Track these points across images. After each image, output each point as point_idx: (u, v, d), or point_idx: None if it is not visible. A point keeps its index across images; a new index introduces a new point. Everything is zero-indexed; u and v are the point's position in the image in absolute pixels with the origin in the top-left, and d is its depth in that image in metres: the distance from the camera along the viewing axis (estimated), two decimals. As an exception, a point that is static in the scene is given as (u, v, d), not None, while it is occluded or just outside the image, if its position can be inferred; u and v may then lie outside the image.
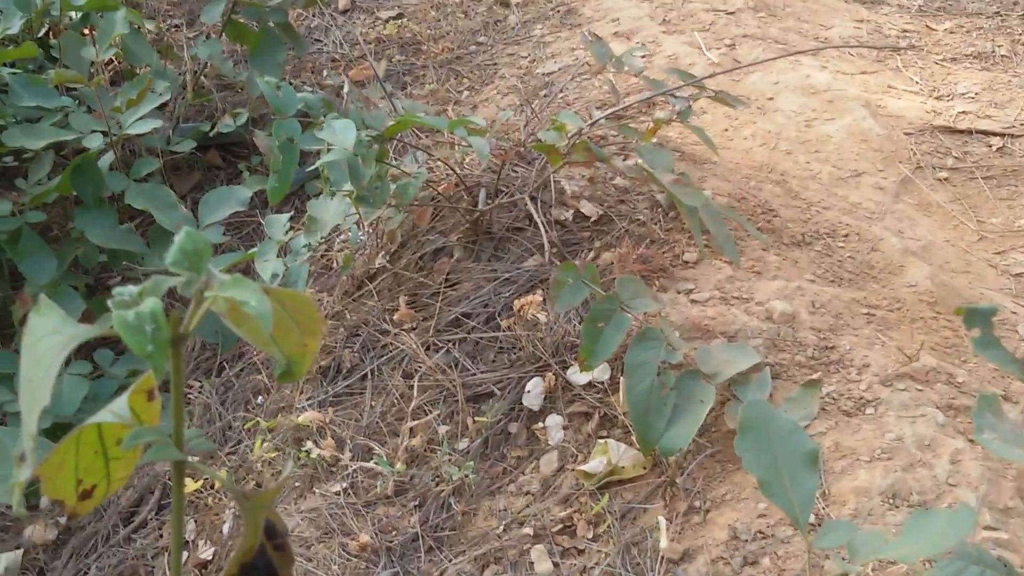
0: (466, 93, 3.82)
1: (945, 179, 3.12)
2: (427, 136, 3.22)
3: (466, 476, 2.32)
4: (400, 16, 4.42)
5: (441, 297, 2.69)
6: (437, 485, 2.35)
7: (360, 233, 2.92)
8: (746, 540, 1.95)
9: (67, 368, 3.07)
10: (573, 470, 2.24)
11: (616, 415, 2.29)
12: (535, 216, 2.68)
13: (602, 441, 2.24)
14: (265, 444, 2.58)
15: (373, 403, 2.57)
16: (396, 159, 2.97)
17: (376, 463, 2.41)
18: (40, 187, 3.33)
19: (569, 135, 2.67)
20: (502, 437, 2.41)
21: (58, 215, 3.59)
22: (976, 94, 3.48)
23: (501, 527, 2.22)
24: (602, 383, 2.36)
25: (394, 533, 2.30)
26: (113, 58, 3.84)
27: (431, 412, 2.49)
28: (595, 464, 2.20)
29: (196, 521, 2.60)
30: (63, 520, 2.81)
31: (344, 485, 2.42)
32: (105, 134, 3.34)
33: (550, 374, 2.42)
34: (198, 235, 0.76)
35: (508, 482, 2.32)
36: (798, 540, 1.91)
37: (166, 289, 0.74)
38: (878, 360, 2.26)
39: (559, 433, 2.33)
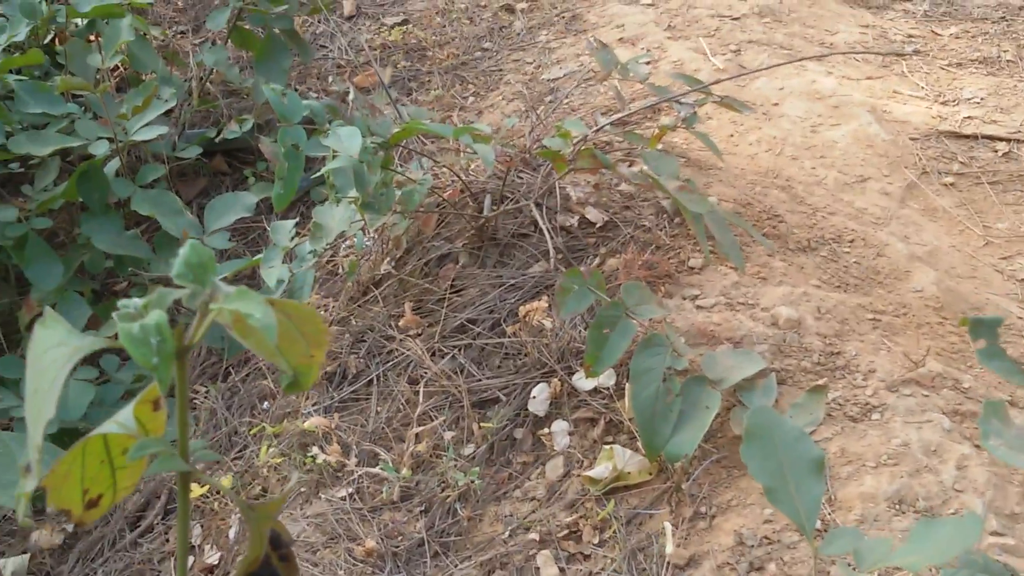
0: (471, 99, 3.82)
1: (951, 184, 3.12)
2: (432, 142, 3.23)
3: (472, 482, 2.32)
4: (405, 22, 4.42)
5: (446, 303, 2.69)
6: (443, 491, 2.35)
7: (365, 239, 2.92)
8: (752, 546, 1.95)
9: (73, 373, 3.06)
10: (579, 476, 2.24)
11: (622, 421, 2.29)
12: (540, 222, 2.69)
13: (608, 447, 2.24)
14: (271, 450, 2.58)
15: (379, 409, 2.57)
16: (401, 165, 2.97)
17: (382, 468, 2.41)
18: (46, 193, 3.34)
19: (574, 141, 2.67)
20: (508, 443, 2.42)
21: (64, 221, 3.60)
22: (982, 99, 3.48)
23: (507, 533, 2.22)
24: (608, 389, 2.36)
25: (400, 538, 2.30)
26: (119, 65, 3.84)
27: (437, 418, 2.49)
28: (601, 470, 2.20)
29: (202, 526, 2.61)
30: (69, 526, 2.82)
31: (350, 490, 2.42)
32: (111, 140, 3.34)
33: (556, 380, 2.42)
34: (203, 247, 0.77)
35: (514, 488, 2.32)
36: (804, 546, 1.91)
37: (171, 302, 0.74)
38: (884, 366, 2.26)
39: (565, 439, 2.33)
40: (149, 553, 2.65)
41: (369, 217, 2.50)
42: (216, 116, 3.98)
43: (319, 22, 4.52)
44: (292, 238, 2.61)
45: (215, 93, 4.00)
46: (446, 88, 3.91)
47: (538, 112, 3.38)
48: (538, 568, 2.11)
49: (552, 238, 2.67)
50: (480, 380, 2.52)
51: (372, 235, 2.95)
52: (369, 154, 2.36)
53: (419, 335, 2.67)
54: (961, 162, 3.19)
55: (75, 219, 3.50)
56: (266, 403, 2.83)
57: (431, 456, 2.43)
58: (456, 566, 2.21)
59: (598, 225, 2.75)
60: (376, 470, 2.43)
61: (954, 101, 3.49)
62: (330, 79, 4.16)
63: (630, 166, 2.86)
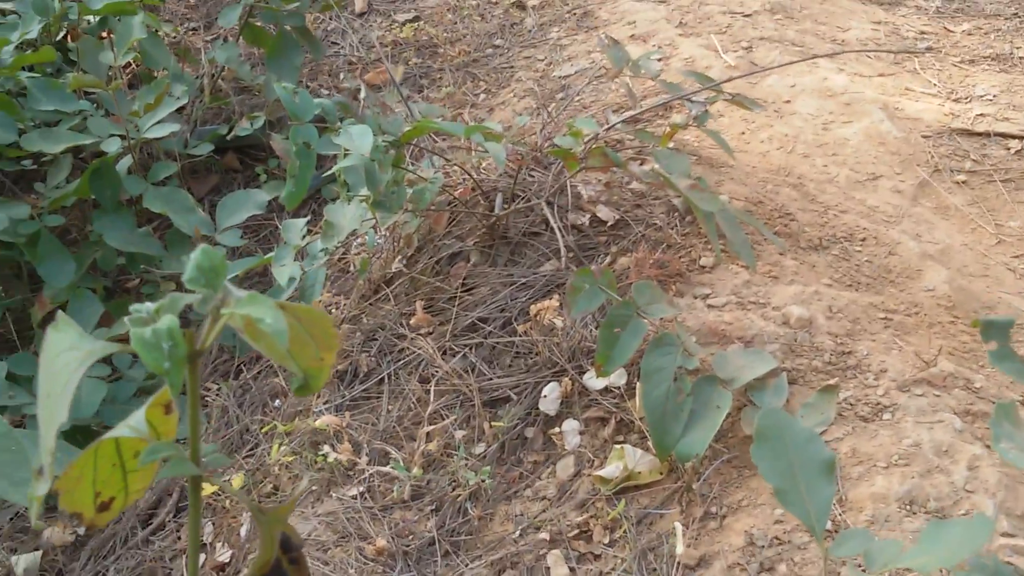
0: (483, 96, 3.82)
1: (963, 182, 3.11)
2: (444, 140, 3.23)
3: (482, 481, 2.33)
4: (417, 19, 4.43)
5: (458, 302, 2.70)
6: (454, 490, 2.36)
7: (377, 237, 2.92)
8: (762, 546, 1.95)
9: (86, 370, 3.07)
10: (589, 475, 2.25)
11: (632, 420, 2.29)
12: (551, 221, 2.69)
13: (618, 446, 2.24)
14: (282, 448, 2.59)
15: (390, 407, 2.58)
16: (413, 164, 2.98)
17: (393, 467, 2.42)
18: (59, 191, 3.35)
19: (585, 140, 2.67)
20: (519, 442, 2.42)
21: (76, 218, 3.61)
22: (994, 96, 3.46)
23: (517, 532, 2.23)
24: (618, 388, 2.36)
25: (411, 537, 2.30)
26: (131, 62, 3.85)
27: (448, 417, 2.50)
28: (611, 469, 2.20)
29: (214, 523, 2.61)
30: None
31: (361, 489, 2.42)
32: (123, 138, 3.35)
33: (567, 379, 2.42)
34: (214, 252, 0.77)
35: (524, 487, 2.32)
36: (815, 547, 1.90)
37: (183, 306, 0.75)
38: (895, 365, 2.26)
39: (575, 438, 2.33)
40: (161, 550, 2.66)
41: (380, 215, 2.50)
42: (228, 113, 3.99)
43: (331, 19, 4.52)
44: (304, 236, 2.61)
45: (227, 90, 4.00)
46: (457, 85, 3.92)
47: (549, 109, 3.38)
48: (548, 568, 2.12)
49: (563, 237, 2.67)
50: (491, 379, 2.52)
51: (383, 233, 2.95)
52: (380, 152, 2.36)
53: (430, 333, 2.67)
54: (973, 160, 3.18)
55: (87, 216, 3.51)
56: (278, 401, 2.83)
57: (442, 455, 2.43)
58: (466, 565, 2.21)
59: (609, 224, 2.75)
60: (387, 469, 2.43)
61: (966, 98, 3.48)
62: (342, 76, 4.16)
63: (641, 164, 2.86)
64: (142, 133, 3.34)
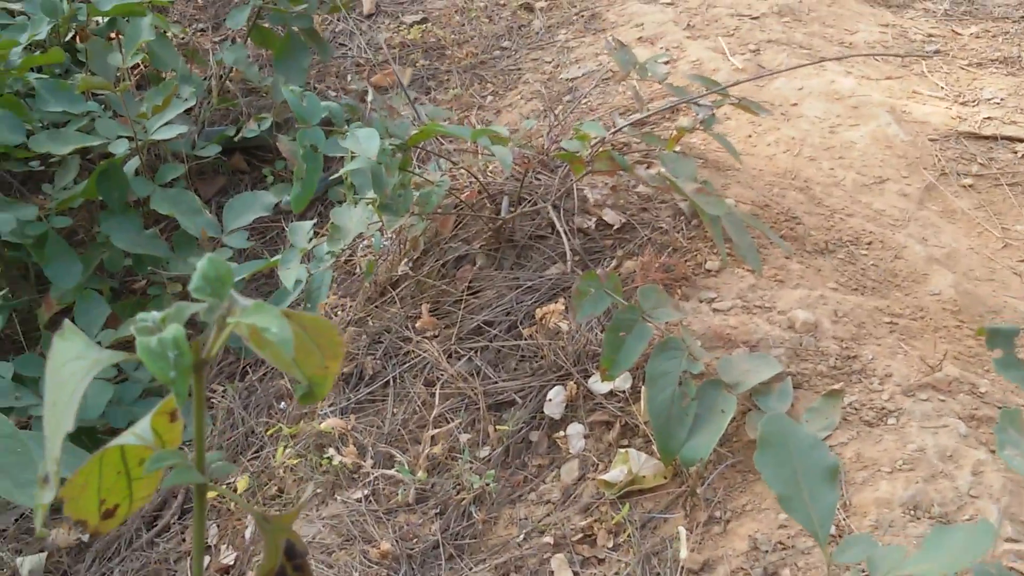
0: (490, 98, 3.83)
1: (970, 186, 3.11)
2: (450, 143, 3.23)
3: (487, 484, 2.33)
4: (424, 21, 4.43)
5: (463, 305, 2.70)
6: (458, 493, 2.36)
7: (383, 240, 2.93)
8: (766, 551, 1.95)
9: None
10: (594, 479, 2.25)
11: (637, 424, 2.29)
12: (557, 224, 2.69)
13: (623, 450, 2.24)
14: (287, 450, 2.59)
15: (395, 410, 2.58)
16: (419, 167, 2.98)
17: (397, 471, 2.42)
18: (66, 192, 3.36)
19: (592, 143, 2.67)
20: (523, 446, 2.42)
21: (84, 220, 3.62)
22: (1002, 100, 3.46)
23: (522, 536, 2.23)
24: (623, 392, 2.36)
25: (415, 541, 2.31)
26: (139, 63, 3.86)
27: (453, 420, 2.50)
28: (616, 473, 2.20)
29: (218, 526, 2.62)
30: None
31: (366, 492, 2.43)
32: (131, 139, 3.36)
33: (571, 383, 2.42)
34: (220, 261, 0.77)
35: (529, 491, 2.32)
36: (819, 552, 1.90)
37: (188, 316, 0.75)
38: (901, 370, 2.26)
39: (580, 442, 2.34)
40: (165, 552, 2.66)
41: (387, 218, 2.50)
42: (235, 114, 4.00)
43: (338, 20, 4.53)
44: (310, 239, 2.62)
45: (234, 91, 4.01)
46: (464, 87, 3.92)
47: (556, 112, 3.38)
48: (552, 572, 2.12)
49: (569, 240, 2.67)
50: (496, 382, 2.52)
51: (390, 236, 2.96)
52: (387, 155, 2.37)
53: (436, 337, 2.68)
54: (980, 163, 3.18)
55: (94, 218, 3.52)
56: (283, 403, 2.84)
57: (447, 458, 2.44)
58: (471, 569, 2.21)
59: (615, 227, 2.75)
60: (392, 472, 2.44)
61: (974, 102, 3.48)
62: (349, 78, 4.17)
63: (648, 168, 2.86)
64: (150, 135, 3.35)
